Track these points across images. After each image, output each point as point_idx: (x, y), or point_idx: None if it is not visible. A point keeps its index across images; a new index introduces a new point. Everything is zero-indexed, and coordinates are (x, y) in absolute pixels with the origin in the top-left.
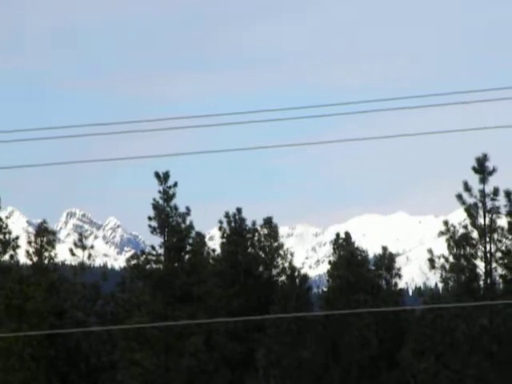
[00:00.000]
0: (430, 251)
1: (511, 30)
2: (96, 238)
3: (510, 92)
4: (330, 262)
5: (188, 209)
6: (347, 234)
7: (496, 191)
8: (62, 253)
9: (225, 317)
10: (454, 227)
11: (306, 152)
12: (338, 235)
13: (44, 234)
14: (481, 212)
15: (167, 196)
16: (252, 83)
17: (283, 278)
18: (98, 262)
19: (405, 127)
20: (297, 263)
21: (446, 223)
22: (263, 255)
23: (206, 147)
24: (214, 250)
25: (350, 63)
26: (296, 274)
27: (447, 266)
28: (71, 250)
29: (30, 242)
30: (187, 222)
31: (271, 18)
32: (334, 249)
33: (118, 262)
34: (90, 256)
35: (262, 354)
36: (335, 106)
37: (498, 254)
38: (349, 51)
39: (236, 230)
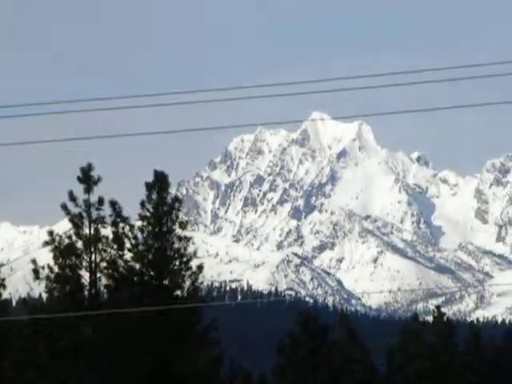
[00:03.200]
0: (34, 261)
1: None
2: None
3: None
4: None
5: None
6: None
7: (101, 201)
8: None
9: None
10: (60, 237)
11: None
12: None
13: None
14: (86, 222)
15: None
16: None
17: None
18: None
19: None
20: None
21: (50, 233)
22: None
23: None
24: None
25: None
26: None
27: (52, 277)
28: None
29: None
30: None
31: None
32: None
33: None
34: None
35: None
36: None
37: (103, 264)
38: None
39: None
